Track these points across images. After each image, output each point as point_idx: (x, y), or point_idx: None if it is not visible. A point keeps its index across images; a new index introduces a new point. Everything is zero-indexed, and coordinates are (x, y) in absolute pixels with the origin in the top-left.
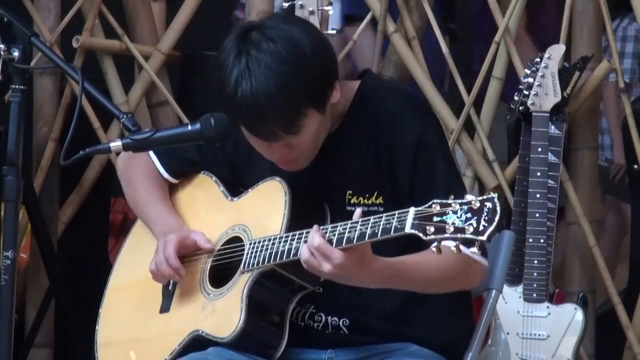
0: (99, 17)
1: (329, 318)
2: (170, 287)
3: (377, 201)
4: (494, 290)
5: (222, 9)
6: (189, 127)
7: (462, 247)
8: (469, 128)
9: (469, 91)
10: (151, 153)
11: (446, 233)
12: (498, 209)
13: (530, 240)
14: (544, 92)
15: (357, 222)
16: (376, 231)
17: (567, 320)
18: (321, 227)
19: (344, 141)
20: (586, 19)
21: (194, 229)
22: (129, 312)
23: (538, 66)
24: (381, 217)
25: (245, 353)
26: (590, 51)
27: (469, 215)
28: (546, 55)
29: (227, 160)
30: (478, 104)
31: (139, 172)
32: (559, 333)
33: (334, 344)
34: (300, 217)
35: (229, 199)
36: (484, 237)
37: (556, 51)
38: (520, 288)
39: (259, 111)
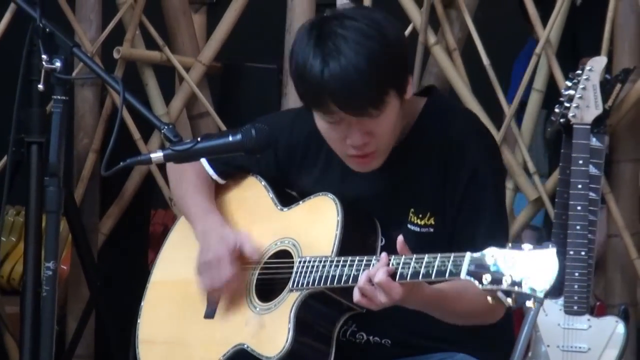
0: (140, 28)
1: (371, 337)
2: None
3: (429, 222)
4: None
5: (263, 20)
6: (230, 138)
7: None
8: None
9: None
10: None
11: (502, 285)
12: (556, 263)
13: (571, 252)
14: (585, 104)
15: (411, 259)
16: (430, 272)
17: (608, 333)
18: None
19: (409, 157)
20: (628, 30)
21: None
22: (171, 311)
23: (579, 78)
24: (436, 258)
25: None
26: (632, 63)
27: (526, 267)
28: (587, 68)
29: (278, 163)
30: (519, 115)
31: (188, 169)
32: (600, 346)
33: (376, 359)
34: (352, 237)
35: (279, 207)
36: (541, 295)
37: (597, 63)
38: (561, 300)
39: (349, 85)
